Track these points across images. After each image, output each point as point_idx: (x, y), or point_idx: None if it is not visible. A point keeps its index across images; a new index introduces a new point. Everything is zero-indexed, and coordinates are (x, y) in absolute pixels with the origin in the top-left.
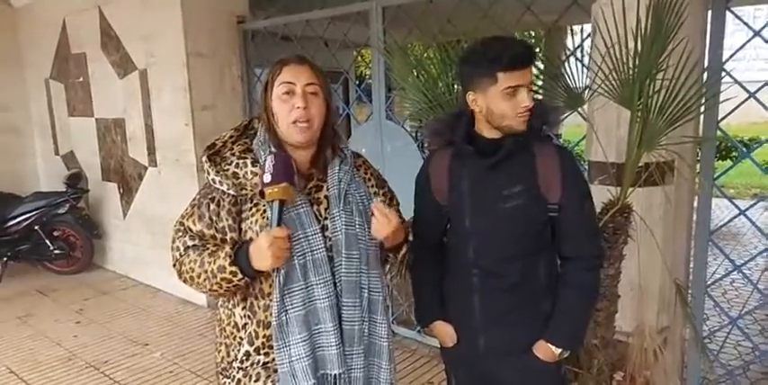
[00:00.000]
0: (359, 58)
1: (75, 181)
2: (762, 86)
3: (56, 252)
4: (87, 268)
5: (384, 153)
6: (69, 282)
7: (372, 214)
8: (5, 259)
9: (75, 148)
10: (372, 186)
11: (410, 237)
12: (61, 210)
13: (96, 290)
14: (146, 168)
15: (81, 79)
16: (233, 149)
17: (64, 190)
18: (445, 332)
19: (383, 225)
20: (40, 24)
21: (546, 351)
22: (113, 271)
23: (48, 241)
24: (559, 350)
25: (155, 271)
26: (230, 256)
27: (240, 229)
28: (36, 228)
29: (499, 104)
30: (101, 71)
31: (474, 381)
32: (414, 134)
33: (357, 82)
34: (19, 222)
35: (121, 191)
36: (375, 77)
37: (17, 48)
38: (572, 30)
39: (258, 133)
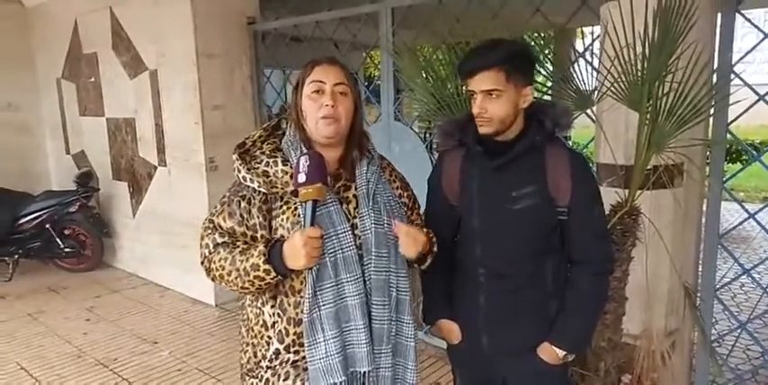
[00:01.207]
0: (368, 59)
1: (86, 180)
2: None
3: (66, 250)
4: (97, 266)
5: (392, 154)
6: (79, 280)
7: (396, 237)
8: (17, 257)
9: (86, 148)
10: (397, 188)
11: (434, 248)
12: (72, 209)
13: (106, 288)
14: (155, 168)
15: (92, 79)
16: (263, 148)
17: (75, 189)
18: (450, 330)
19: (409, 245)
20: (51, 24)
21: (550, 353)
22: (123, 269)
23: (58, 239)
24: (564, 353)
25: (164, 269)
26: (264, 255)
27: (270, 227)
28: (47, 226)
29: (472, 107)
30: (112, 71)
31: (478, 381)
32: (422, 135)
33: (366, 83)
34: (30, 220)
35: (131, 190)
36: (384, 78)
37: (29, 48)
38: (582, 32)
39: (287, 133)
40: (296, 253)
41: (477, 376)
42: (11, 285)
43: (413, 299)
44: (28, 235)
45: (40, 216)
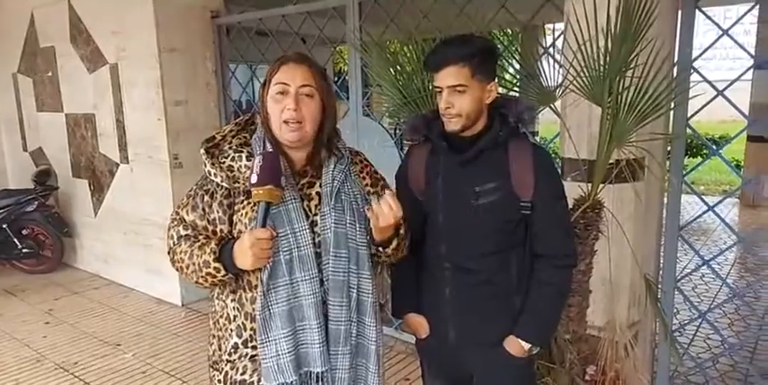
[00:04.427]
0: (336, 54)
1: (44, 178)
2: (729, 84)
3: (24, 251)
4: (57, 267)
5: (361, 149)
6: (39, 282)
7: (377, 204)
8: None
9: (44, 144)
10: (367, 185)
11: (401, 231)
12: (30, 208)
13: (66, 290)
14: (117, 165)
15: (50, 74)
16: (231, 143)
17: (32, 187)
18: (418, 323)
19: (385, 215)
20: (7, 17)
21: (516, 346)
22: (84, 270)
23: (16, 240)
24: (529, 345)
25: (127, 269)
26: (215, 253)
27: (231, 222)
28: (4, 226)
29: (439, 103)
30: (70, 65)
31: (446, 373)
32: (392, 131)
33: (335, 78)
34: None
35: (92, 188)
36: (352, 73)
37: None
38: (544, 29)
39: (257, 128)
40: (244, 253)
41: (444, 369)
42: None
43: (381, 296)
44: None
45: None
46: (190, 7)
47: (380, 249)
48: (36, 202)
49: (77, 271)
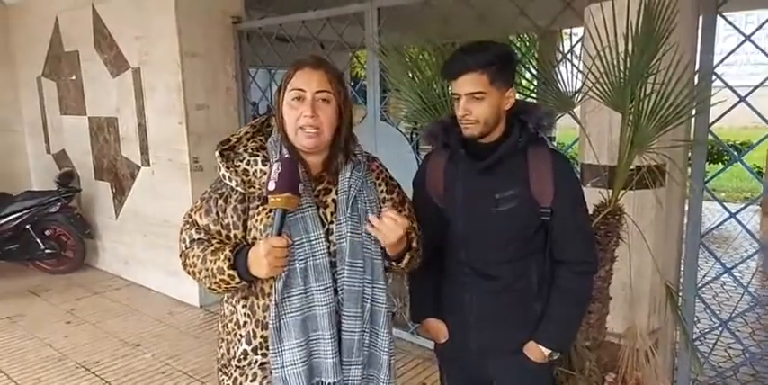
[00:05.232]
0: (354, 59)
1: (67, 180)
2: (752, 90)
3: (47, 251)
4: (79, 268)
5: (378, 154)
6: (61, 282)
7: (379, 221)
8: None
9: (68, 147)
10: (382, 192)
11: (414, 244)
12: (53, 209)
13: (88, 290)
14: (138, 168)
15: (74, 77)
16: (246, 146)
17: (55, 189)
18: (437, 328)
19: (390, 230)
20: (32, 22)
21: (536, 352)
22: (105, 271)
23: (39, 240)
24: (549, 351)
25: (147, 271)
26: (229, 259)
27: (245, 227)
28: (27, 227)
29: (456, 110)
30: (94, 69)
31: (465, 378)
32: (408, 136)
33: (352, 83)
34: (10, 221)
35: (114, 190)
36: (370, 78)
37: (9, 46)
38: (562, 34)
39: (273, 131)
40: (259, 261)
41: (464, 375)
42: None
43: (399, 300)
44: (7, 236)
45: (19, 216)
46: (211, 13)
47: (393, 264)
48: (59, 204)
49: (98, 272)
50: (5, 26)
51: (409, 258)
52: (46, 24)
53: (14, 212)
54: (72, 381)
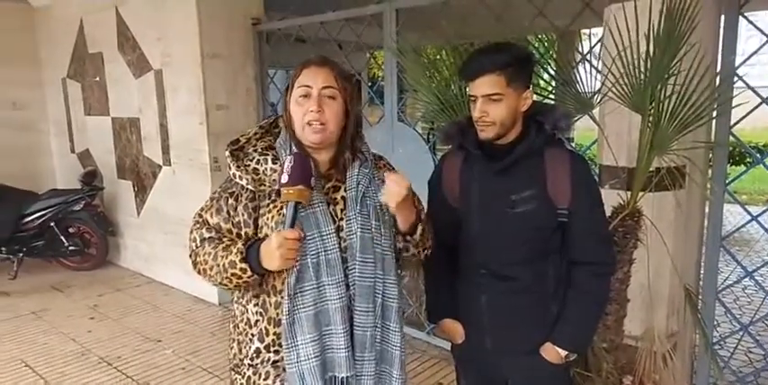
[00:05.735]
0: (372, 59)
1: (91, 178)
2: None
3: (71, 248)
4: (101, 265)
5: (395, 154)
6: (84, 279)
7: (384, 186)
8: (21, 255)
9: (91, 147)
10: None
11: (422, 216)
12: (76, 208)
13: (110, 287)
14: (160, 167)
15: (97, 78)
16: (256, 146)
17: (79, 187)
18: (454, 329)
19: (393, 192)
20: (57, 24)
21: (552, 353)
22: (127, 268)
23: (63, 238)
24: (566, 352)
25: (168, 269)
26: (241, 253)
27: (256, 225)
28: (51, 224)
29: (472, 111)
30: (117, 71)
31: (481, 379)
32: (425, 136)
33: (369, 84)
34: (35, 219)
35: (136, 189)
36: (387, 79)
37: (35, 47)
38: (580, 35)
39: (282, 132)
40: (271, 254)
41: (480, 375)
42: (15, 283)
43: (415, 299)
44: (32, 233)
45: (44, 214)
46: (232, 15)
47: (408, 238)
48: (83, 202)
49: (120, 269)
50: (31, 28)
51: (421, 229)
52: (71, 26)
53: (40, 210)
54: (95, 376)
